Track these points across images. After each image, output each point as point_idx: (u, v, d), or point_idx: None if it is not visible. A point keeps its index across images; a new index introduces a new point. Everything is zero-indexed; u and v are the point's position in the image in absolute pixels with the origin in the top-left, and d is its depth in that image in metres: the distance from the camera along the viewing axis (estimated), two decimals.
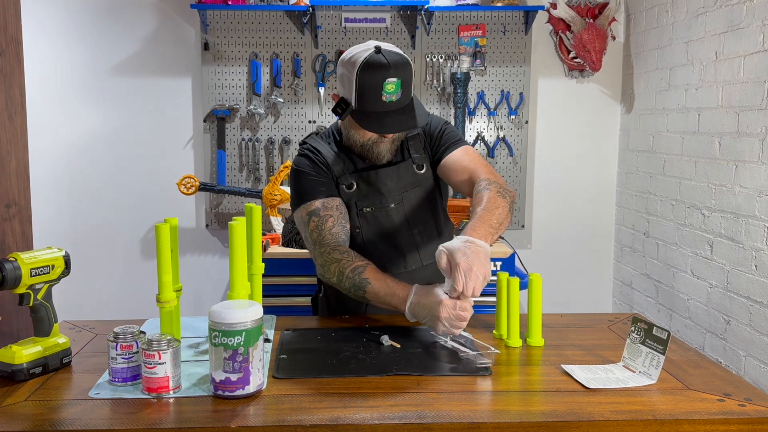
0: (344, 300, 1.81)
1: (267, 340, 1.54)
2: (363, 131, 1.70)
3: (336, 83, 1.74)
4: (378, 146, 1.72)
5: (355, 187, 1.77)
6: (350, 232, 1.76)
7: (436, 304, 1.46)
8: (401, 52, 1.66)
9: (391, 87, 1.60)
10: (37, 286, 1.36)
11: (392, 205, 1.78)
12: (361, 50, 1.63)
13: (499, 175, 1.77)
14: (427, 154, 1.83)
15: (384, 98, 1.61)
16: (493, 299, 1.64)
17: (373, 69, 1.59)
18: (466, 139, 3.62)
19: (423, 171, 1.81)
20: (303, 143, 1.83)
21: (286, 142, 3.59)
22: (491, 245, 1.51)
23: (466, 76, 3.50)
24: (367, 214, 1.78)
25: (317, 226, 1.71)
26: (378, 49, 1.61)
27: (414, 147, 1.81)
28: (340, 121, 1.82)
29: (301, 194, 1.76)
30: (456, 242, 1.47)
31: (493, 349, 1.46)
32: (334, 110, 1.68)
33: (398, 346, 1.51)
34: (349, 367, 1.39)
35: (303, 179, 1.76)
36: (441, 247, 1.48)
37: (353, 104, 1.64)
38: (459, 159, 1.78)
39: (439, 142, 1.82)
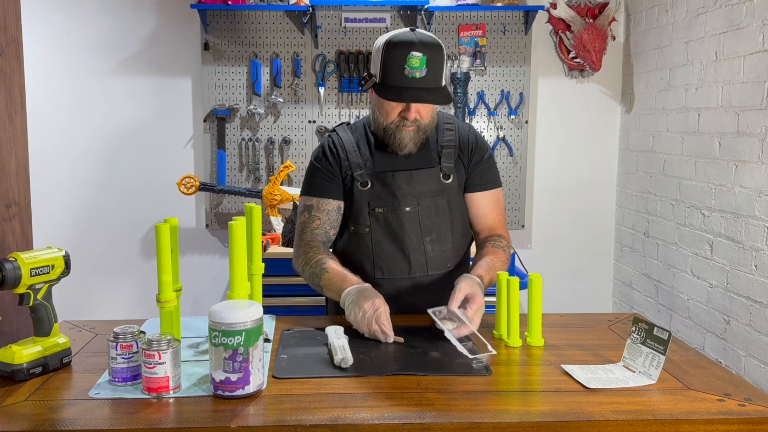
0: None
1: (267, 340, 1.54)
2: (386, 111, 1.73)
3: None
4: (400, 131, 1.74)
5: (369, 185, 1.79)
6: (359, 232, 1.81)
7: (368, 298, 1.56)
8: (435, 36, 1.72)
9: (415, 62, 1.64)
10: (37, 286, 1.36)
11: (407, 209, 1.79)
12: (397, 31, 1.72)
13: (508, 231, 1.93)
14: (462, 165, 1.84)
15: (407, 72, 1.65)
16: (493, 299, 1.64)
17: (400, 43, 1.67)
18: None
19: (449, 181, 1.81)
20: (332, 131, 1.88)
21: (286, 142, 3.59)
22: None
23: (466, 76, 3.50)
24: (378, 214, 1.79)
25: (305, 221, 1.82)
26: (412, 29, 1.70)
27: (446, 155, 1.82)
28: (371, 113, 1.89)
29: (307, 186, 1.86)
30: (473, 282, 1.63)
31: (490, 348, 1.46)
32: (359, 83, 1.77)
33: (401, 340, 1.52)
34: (349, 366, 1.39)
35: (314, 174, 1.84)
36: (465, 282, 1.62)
37: (377, 78, 1.71)
38: (489, 205, 1.87)
39: (478, 170, 1.85)
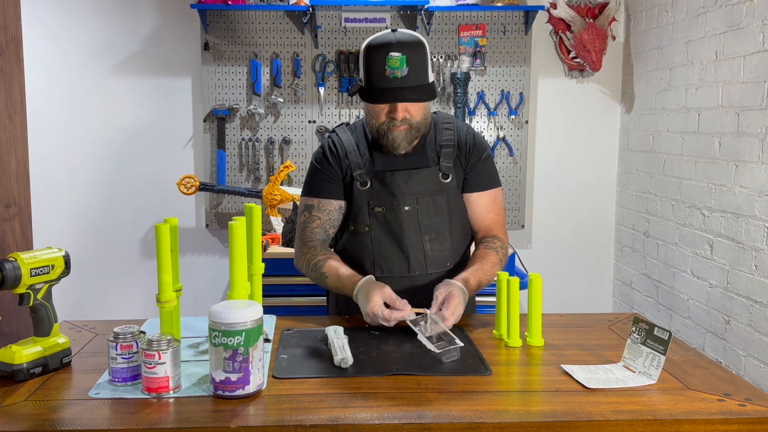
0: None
1: (267, 340, 1.54)
2: (375, 113, 1.75)
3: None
4: (392, 132, 1.75)
5: (369, 185, 1.80)
6: (359, 231, 1.82)
7: (367, 301, 1.60)
8: (416, 34, 1.73)
9: (394, 62, 1.67)
10: (37, 286, 1.36)
11: (406, 208, 1.79)
12: (378, 33, 1.75)
13: (506, 231, 1.91)
14: (460, 165, 1.84)
15: (388, 73, 1.68)
16: (493, 299, 1.64)
17: (378, 45, 1.70)
18: None
19: (448, 180, 1.82)
20: (332, 131, 1.89)
21: (286, 142, 3.59)
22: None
23: (466, 76, 3.50)
24: (378, 213, 1.80)
25: (305, 221, 1.85)
26: (393, 30, 1.73)
27: (445, 155, 1.82)
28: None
29: (309, 186, 1.87)
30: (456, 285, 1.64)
31: (458, 341, 1.45)
32: (347, 89, 1.79)
33: (424, 310, 1.55)
34: (349, 367, 1.39)
35: (315, 174, 1.86)
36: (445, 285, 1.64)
37: (362, 82, 1.74)
38: (486, 206, 1.87)
39: (476, 170, 1.85)
